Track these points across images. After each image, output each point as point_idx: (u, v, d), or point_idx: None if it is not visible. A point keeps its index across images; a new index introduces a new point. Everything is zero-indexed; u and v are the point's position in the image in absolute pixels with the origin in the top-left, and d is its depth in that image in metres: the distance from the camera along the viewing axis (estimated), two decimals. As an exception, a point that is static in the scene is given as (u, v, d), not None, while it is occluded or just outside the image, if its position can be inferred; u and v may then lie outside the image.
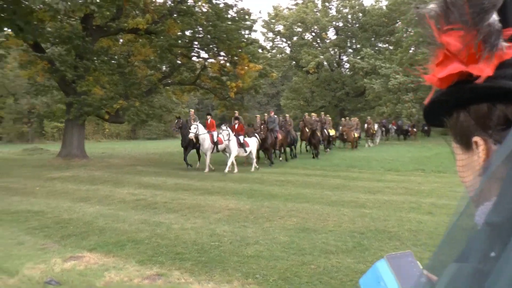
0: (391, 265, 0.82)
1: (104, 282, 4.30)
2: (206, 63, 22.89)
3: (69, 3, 11.22)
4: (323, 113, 23.85)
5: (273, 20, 45.97)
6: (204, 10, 20.37)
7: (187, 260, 4.92)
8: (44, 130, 46.45)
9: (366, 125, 27.57)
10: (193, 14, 19.00)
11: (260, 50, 23.24)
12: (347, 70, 46.67)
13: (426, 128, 34.69)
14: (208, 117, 15.98)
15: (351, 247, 5.30)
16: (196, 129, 14.46)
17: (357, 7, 45.05)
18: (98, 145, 35.70)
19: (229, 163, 14.28)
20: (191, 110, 17.03)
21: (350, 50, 47.13)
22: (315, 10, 45.00)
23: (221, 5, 20.30)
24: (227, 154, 14.63)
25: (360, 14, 45.53)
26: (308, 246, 5.35)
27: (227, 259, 4.92)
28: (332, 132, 23.06)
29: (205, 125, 15.40)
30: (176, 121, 15.71)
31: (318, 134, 19.18)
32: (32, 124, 46.49)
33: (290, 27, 44.81)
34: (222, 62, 22.04)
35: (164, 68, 24.19)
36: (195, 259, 4.93)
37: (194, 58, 23.40)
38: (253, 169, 14.90)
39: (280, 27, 46.04)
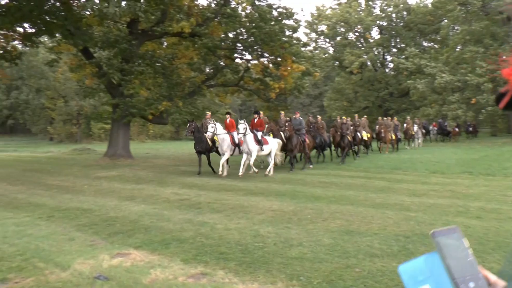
0: (439, 243, 0.78)
1: (150, 279, 4.37)
2: (249, 65, 22.99)
3: (116, 9, 11.55)
4: (356, 115, 22.54)
5: (316, 21, 45.59)
6: (247, 11, 20.46)
7: (231, 260, 4.92)
8: (91, 131, 48.11)
9: (405, 126, 26.30)
10: (237, 16, 19.11)
11: (303, 49, 23.03)
12: (391, 70, 45.68)
13: (471, 129, 33.41)
14: (227, 116, 15.12)
15: (396, 251, 5.16)
16: (214, 128, 13.42)
17: (401, 5, 44.03)
18: (143, 145, 36.57)
19: (245, 163, 13.12)
20: (207, 112, 16.23)
21: (394, 50, 46.12)
22: (358, 9, 44.30)
23: (264, 6, 20.31)
24: (244, 154, 13.36)
25: (405, 13, 44.48)
26: (352, 249, 5.26)
27: (271, 260, 4.89)
28: (365, 136, 21.45)
29: (224, 126, 14.51)
30: (188, 124, 14.53)
31: (349, 138, 18.00)
32: (81, 125, 48.30)
33: (334, 27, 44.32)
34: (265, 63, 22.03)
35: (207, 70, 24.49)
36: (239, 260, 4.93)
37: (237, 60, 23.57)
38: (267, 172, 13.51)
39: (323, 27, 45.60)
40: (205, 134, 13.73)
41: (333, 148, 19.18)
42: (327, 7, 46.93)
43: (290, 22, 21.57)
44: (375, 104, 44.60)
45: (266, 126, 15.03)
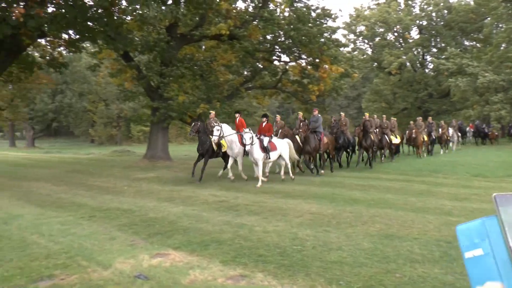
0: (499, 207, 0.73)
1: (189, 280, 4.39)
2: (287, 67, 22.95)
3: (156, 14, 11.79)
4: (384, 116, 21.18)
5: (354, 21, 45.00)
6: (286, 14, 20.43)
7: (270, 262, 4.89)
8: (131, 133, 49.28)
9: (440, 131, 24.56)
10: (275, 19, 19.09)
11: (341, 49, 22.76)
12: (431, 70, 44.49)
13: None
14: (237, 115, 14.01)
15: (438, 257, 4.99)
16: (220, 131, 12.04)
17: (442, 4, 42.80)
18: (181, 147, 37.06)
19: (258, 174, 12.00)
20: (211, 112, 14.94)
21: (434, 50, 44.89)
22: (397, 9, 43.38)
23: (303, 8, 20.22)
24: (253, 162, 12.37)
25: (445, 11, 43.22)
26: (392, 254, 5.12)
27: (310, 263, 4.83)
28: (395, 140, 19.86)
29: (235, 125, 13.70)
30: (193, 124, 13.59)
31: (373, 137, 16.52)
32: (121, 127, 49.58)
33: (372, 27, 43.58)
34: (303, 65, 21.92)
35: (245, 72, 24.61)
36: (277, 262, 4.88)
37: (275, 62, 23.58)
38: (283, 176, 12.75)
39: (361, 28, 44.94)
40: (210, 137, 12.49)
41: (357, 148, 17.86)
42: (365, 7, 46.28)
43: (329, 23, 21.42)
44: (414, 105, 43.56)
45: (280, 131, 13.98)
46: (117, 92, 33.65)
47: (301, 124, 13.62)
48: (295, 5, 20.20)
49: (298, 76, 22.18)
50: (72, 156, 28.24)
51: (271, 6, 20.73)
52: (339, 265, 4.77)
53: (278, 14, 20.19)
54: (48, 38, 17.09)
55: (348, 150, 17.35)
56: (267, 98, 26.11)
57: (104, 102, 48.25)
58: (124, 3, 14.47)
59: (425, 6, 43.83)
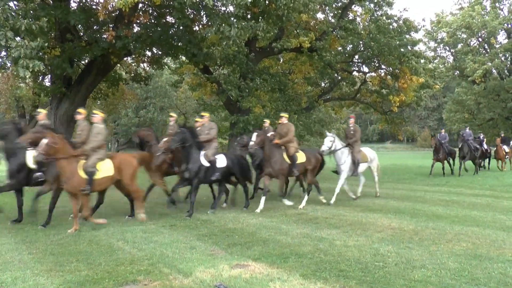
0: None
1: (270, 293, 4.30)
2: (367, 77, 22.45)
3: (237, 31, 12.00)
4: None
5: (434, 28, 42.95)
6: (366, 24, 20.02)
7: (351, 278, 4.71)
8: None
9: None
10: (355, 29, 18.76)
11: (422, 61, 21.87)
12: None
13: None
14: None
15: (536, 282, 4.52)
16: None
17: (535, 5, 39.59)
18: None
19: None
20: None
21: (525, 55, 41.47)
22: (482, 13, 40.65)
23: (384, 18, 19.75)
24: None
25: (539, 13, 39.88)
26: (482, 276, 4.74)
27: (393, 281, 4.59)
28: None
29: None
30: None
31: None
32: (199, 140, 51.02)
33: (454, 33, 41.20)
34: (382, 75, 21.34)
35: (323, 84, 24.40)
36: (359, 278, 4.70)
37: (354, 73, 23.18)
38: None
39: (442, 35, 42.73)
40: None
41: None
42: (447, 13, 44.07)
43: (411, 34, 20.70)
44: (501, 116, 40.53)
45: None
46: (196, 106, 34.74)
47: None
48: (375, 15, 19.72)
49: (377, 87, 21.60)
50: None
51: (350, 15, 20.42)
52: (423, 284, 4.53)
53: (358, 23, 19.80)
54: (133, 56, 18.06)
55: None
56: (345, 108, 25.68)
57: (183, 116, 50.11)
58: (204, 19, 14.93)
59: (516, 8, 40.70)
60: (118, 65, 18.96)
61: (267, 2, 13.26)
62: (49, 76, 17.15)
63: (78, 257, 5.66)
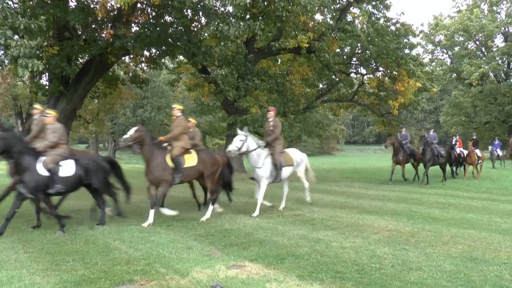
0: None
1: (266, 293, 4.31)
2: (364, 79, 22.50)
3: (235, 29, 12.02)
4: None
5: (432, 31, 43.09)
6: (364, 26, 20.08)
7: (348, 279, 4.73)
8: (206, 145, 50.57)
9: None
10: (353, 31, 18.80)
11: (419, 65, 21.96)
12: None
13: None
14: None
15: (531, 285, 4.56)
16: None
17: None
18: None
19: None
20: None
21: (521, 58, 41.61)
22: (480, 16, 40.79)
23: (381, 21, 19.81)
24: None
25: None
26: (478, 279, 4.77)
27: (389, 283, 4.63)
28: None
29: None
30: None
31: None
32: (197, 140, 50.99)
33: (452, 36, 41.34)
34: (380, 77, 21.38)
35: (321, 85, 24.44)
36: (356, 280, 4.72)
37: (352, 74, 23.23)
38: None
39: (440, 37, 42.86)
40: None
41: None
42: (445, 16, 44.23)
43: (409, 38, 20.77)
44: (498, 119, 40.69)
45: None
46: (193, 106, 34.75)
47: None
48: (373, 17, 19.77)
49: (375, 89, 21.65)
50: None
51: (349, 17, 20.46)
52: (419, 286, 4.57)
53: (356, 25, 19.84)
54: (131, 56, 18.05)
55: None
56: (342, 110, 25.74)
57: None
58: (203, 19, 14.93)
59: (512, 12, 40.86)
60: (116, 64, 18.94)
61: (266, 3, 13.28)
62: (47, 74, 17.13)
63: (75, 257, 5.66)
